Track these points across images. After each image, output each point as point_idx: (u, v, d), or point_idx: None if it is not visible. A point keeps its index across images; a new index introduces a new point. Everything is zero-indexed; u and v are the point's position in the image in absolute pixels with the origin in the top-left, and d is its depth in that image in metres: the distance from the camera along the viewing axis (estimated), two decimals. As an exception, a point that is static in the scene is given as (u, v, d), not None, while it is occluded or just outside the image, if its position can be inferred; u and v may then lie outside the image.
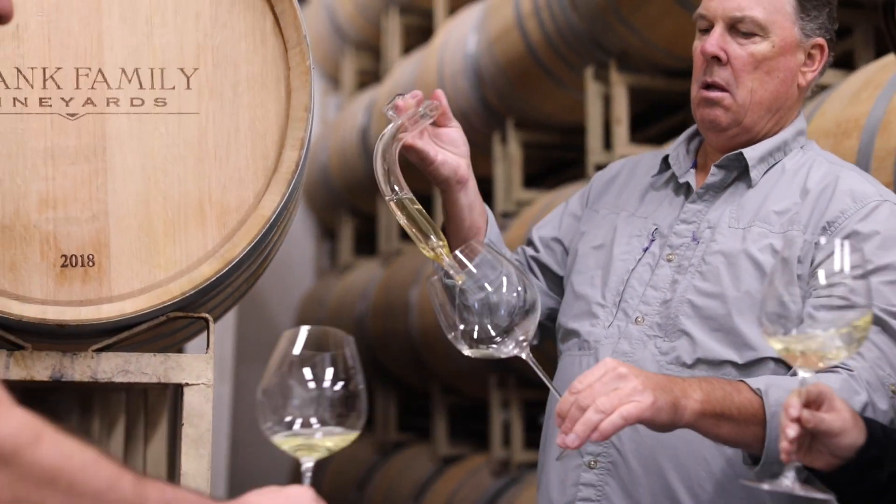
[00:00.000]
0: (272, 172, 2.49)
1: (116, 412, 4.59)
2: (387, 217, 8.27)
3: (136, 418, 3.45)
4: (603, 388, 1.98)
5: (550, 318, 2.66)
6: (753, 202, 2.46)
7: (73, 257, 2.43)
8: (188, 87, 2.49)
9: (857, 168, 2.52)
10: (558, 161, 6.77)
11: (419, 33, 8.31)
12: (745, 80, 2.46)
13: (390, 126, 2.44)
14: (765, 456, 2.10)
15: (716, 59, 2.47)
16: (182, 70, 2.49)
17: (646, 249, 2.52)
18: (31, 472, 1.42)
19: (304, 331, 1.77)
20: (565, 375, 2.51)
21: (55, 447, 1.44)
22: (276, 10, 2.49)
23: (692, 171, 2.57)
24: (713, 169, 2.51)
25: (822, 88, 3.89)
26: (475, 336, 2.13)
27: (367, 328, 7.90)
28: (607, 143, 5.42)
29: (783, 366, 2.27)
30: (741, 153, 2.48)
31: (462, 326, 2.14)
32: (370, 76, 9.20)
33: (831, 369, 2.18)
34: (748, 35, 2.46)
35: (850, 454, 1.90)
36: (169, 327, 2.50)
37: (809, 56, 2.51)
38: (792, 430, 1.79)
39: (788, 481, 1.82)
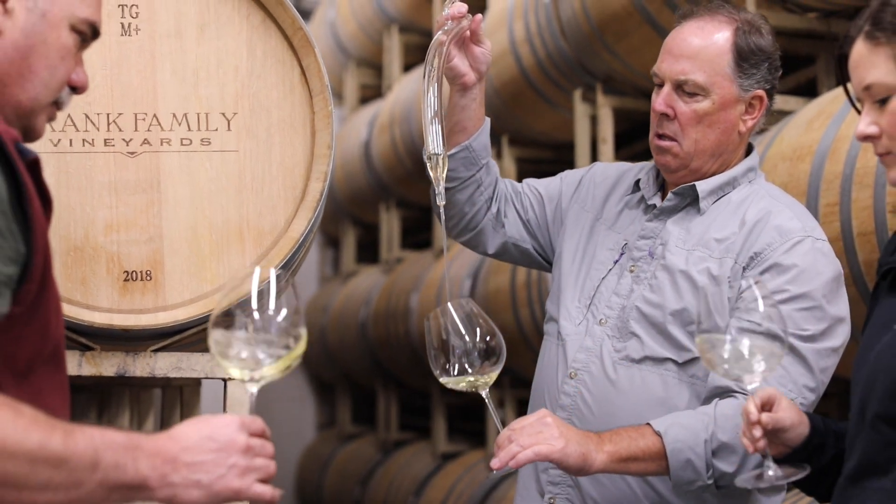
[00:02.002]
0: (300, 201, 2.81)
1: (147, 408, 4.93)
2: (388, 226, 8.44)
3: (171, 412, 3.77)
4: (530, 430, 2.47)
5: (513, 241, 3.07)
6: (699, 228, 2.76)
7: (134, 273, 2.74)
8: (229, 129, 2.79)
9: (794, 204, 2.80)
10: (550, 174, 7.05)
11: (419, 51, 8.43)
12: (690, 133, 2.74)
13: (444, 33, 2.77)
14: (672, 481, 2.57)
15: (665, 115, 2.76)
16: (224, 115, 2.80)
17: (616, 262, 2.85)
18: None
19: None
20: (543, 357, 2.92)
21: None
22: (302, 64, 2.82)
23: (658, 194, 2.88)
24: (670, 195, 2.82)
25: (784, 114, 4.24)
26: (450, 370, 2.59)
27: (369, 333, 8.07)
28: (594, 160, 5.74)
29: None
30: (694, 185, 2.79)
31: (442, 360, 2.60)
32: (372, 90, 9.35)
33: (729, 395, 2.59)
34: (692, 94, 2.73)
35: (798, 443, 2.29)
36: (214, 330, 2.82)
37: (750, 105, 2.77)
38: (757, 432, 2.19)
39: (771, 471, 2.20)
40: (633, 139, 6.03)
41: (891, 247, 2.28)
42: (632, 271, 2.82)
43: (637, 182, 2.93)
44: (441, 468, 7.18)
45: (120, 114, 2.76)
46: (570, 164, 5.98)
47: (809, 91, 4.73)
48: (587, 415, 2.75)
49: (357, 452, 8.75)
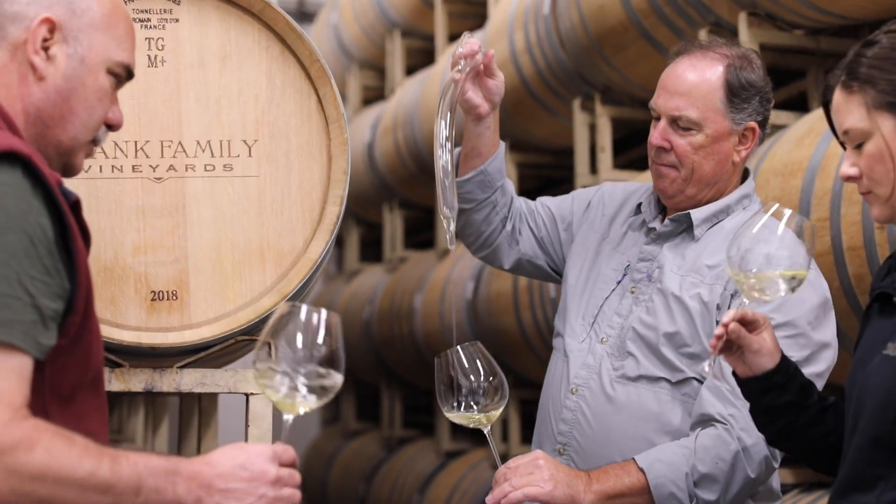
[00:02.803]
0: (317, 223, 2.92)
1: (161, 412, 5.09)
2: (391, 226, 8.52)
3: (189, 420, 3.90)
4: (524, 470, 2.67)
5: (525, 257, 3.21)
6: (693, 254, 2.89)
7: (161, 293, 2.83)
8: (250, 155, 2.89)
9: None
10: (550, 179, 7.14)
11: (421, 54, 8.56)
12: (686, 163, 2.87)
13: (458, 71, 2.92)
14: None
15: (662, 148, 2.88)
16: (245, 141, 2.89)
17: (619, 282, 2.97)
18: (24, 471, 1.83)
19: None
20: (550, 372, 3.07)
21: (45, 451, 1.84)
22: (319, 93, 2.92)
23: (659, 217, 3.00)
24: (666, 221, 2.95)
25: (776, 128, 4.37)
26: (458, 406, 2.77)
27: (373, 331, 8.16)
28: (593, 167, 5.83)
29: (701, 383, 2.81)
30: (689, 213, 2.91)
31: (449, 398, 2.77)
32: (374, 92, 9.44)
33: (710, 424, 2.74)
34: (686, 129, 2.85)
35: (759, 371, 2.38)
36: (236, 347, 2.91)
37: (743, 136, 2.88)
38: (719, 330, 2.32)
39: (707, 368, 2.36)
40: (630, 146, 6.14)
41: (882, 271, 2.39)
42: (632, 292, 2.94)
43: (640, 205, 3.06)
44: (445, 466, 7.27)
45: (147, 141, 2.86)
46: (569, 169, 6.10)
47: (801, 104, 4.87)
48: (587, 429, 2.90)
49: (361, 449, 8.81)
